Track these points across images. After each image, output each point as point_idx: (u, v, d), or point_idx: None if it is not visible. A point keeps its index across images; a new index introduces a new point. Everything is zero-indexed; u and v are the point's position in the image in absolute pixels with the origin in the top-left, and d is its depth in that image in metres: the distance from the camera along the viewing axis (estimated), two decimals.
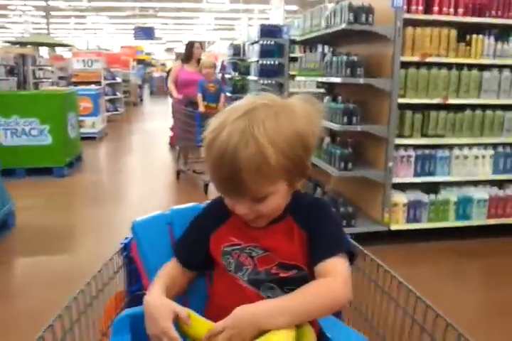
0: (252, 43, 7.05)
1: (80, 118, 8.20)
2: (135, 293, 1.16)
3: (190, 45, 5.85)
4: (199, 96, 5.07)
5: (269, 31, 6.55)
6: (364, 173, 3.55)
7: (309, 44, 6.37)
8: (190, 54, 5.85)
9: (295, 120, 0.92)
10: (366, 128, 3.48)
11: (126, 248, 1.16)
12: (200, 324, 0.90)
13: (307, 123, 0.94)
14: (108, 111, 11.10)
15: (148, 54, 27.94)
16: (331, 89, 4.45)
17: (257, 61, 6.56)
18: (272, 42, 6.49)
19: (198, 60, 5.76)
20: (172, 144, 7.41)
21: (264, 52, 6.46)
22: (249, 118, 0.89)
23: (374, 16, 3.40)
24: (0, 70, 12.29)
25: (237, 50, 8.87)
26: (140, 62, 22.45)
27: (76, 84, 11.12)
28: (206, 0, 21.79)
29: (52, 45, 14.99)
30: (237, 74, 8.79)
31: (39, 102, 5.72)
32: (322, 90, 4.76)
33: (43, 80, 14.82)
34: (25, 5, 20.44)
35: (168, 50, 37.69)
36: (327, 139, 3.95)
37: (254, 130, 0.87)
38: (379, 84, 3.39)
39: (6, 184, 3.98)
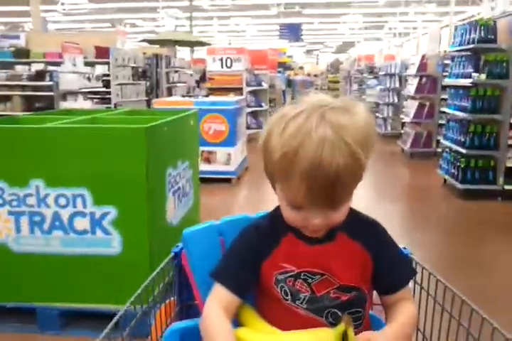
0: None
1: (208, 148, 4.70)
2: (186, 302, 1.10)
3: None
4: None
5: None
6: None
7: None
8: None
9: (357, 113, 0.83)
10: None
11: (176, 256, 1.07)
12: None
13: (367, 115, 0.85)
14: (249, 128, 7.51)
15: (289, 56, 24.36)
16: None
17: None
18: None
19: None
20: None
21: None
22: (329, 123, 0.79)
23: None
24: (126, 73, 9.31)
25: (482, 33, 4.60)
26: (280, 65, 19.05)
27: (212, 91, 7.83)
28: None
29: (188, 44, 12.03)
30: (479, 76, 4.60)
31: (101, 147, 2.11)
32: None
33: (178, 85, 11.96)
34: (168, 6, 18.21)
35: (308, 52, 33.79)
36: None
37: (343, 135, 0.78)
38: None
39: None
